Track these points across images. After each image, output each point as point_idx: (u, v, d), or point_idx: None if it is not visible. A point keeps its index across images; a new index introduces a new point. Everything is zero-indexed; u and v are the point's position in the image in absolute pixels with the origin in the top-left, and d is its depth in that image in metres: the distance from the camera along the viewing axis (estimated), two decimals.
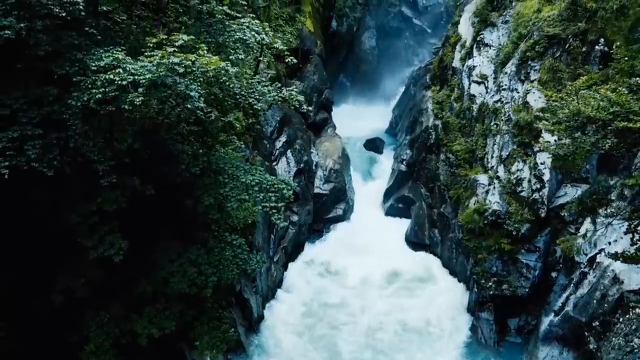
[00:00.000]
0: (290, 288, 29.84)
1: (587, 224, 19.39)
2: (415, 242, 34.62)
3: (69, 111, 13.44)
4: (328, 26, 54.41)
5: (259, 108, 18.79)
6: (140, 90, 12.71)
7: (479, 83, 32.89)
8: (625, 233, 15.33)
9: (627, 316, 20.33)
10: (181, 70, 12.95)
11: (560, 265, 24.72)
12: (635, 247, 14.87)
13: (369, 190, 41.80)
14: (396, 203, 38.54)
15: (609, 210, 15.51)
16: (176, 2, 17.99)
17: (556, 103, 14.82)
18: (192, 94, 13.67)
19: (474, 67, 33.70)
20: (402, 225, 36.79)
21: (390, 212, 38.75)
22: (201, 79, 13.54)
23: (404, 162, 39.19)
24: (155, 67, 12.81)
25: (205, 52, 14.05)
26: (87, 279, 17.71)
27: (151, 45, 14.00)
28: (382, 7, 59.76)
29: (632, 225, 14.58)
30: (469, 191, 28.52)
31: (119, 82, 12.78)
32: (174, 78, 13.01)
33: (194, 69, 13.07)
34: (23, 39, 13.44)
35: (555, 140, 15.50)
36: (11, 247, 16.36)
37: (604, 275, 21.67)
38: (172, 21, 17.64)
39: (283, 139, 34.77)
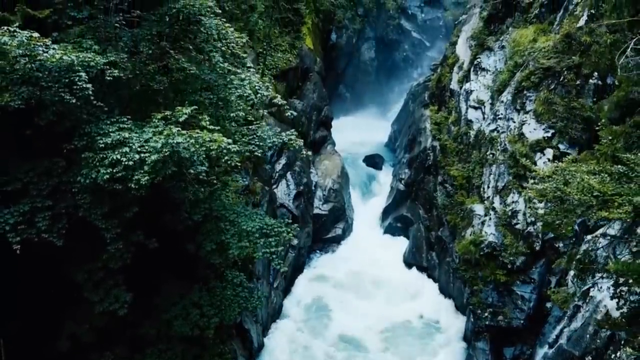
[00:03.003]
0: (290, 315, 30.25)
1: (575, 281, 19.90)
2: (413, 264, 35.10)
3: (77, 185, 13.96)
4: (328, 39, 54.92)
5: (259, 155, 19.25)
6: (146, 168, 13.22)
7: (476, 108, 33.34)
8: (612, 298, 15.81)
9: (619, 353, 20.83)
10: (185, 144, 13.45)
11: (557, 289, 25.15)
12: (620, 311, 15.37)
13: (367, 207, 42.35)
14: (394, 222, 39.02)
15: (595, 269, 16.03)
16: (177, 49, 18.33)
17: (542, 179, 15.30)
18: (194, 159, 14.18)
19: (471, 91, 34.12)
20: (400, 244, 37.25)
21: (389, 230, 39.23)
22: (203, 156, 14.05)
23: (403, 182, 39.64)
24: (160, 146, 13.30)
25: (208, 122, 14.52)
26: (92, 325, 18.23)
27: (156, 120, 14.51)
28: (381, 19, 60.19)
29: (618, 291, 15.08)
30: (465, 221, 28.99)
31: (126, 162, 13.31)
32: (178, 149, 13.50)
33: (197, 146, 13.57)
34: (32, 108, 13.94)
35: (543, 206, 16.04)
36: (18, 299, 16.90)
37: (596, 310, 22.09)
38: (175, 70, 17.98)
39: (283, 161, 35.18)
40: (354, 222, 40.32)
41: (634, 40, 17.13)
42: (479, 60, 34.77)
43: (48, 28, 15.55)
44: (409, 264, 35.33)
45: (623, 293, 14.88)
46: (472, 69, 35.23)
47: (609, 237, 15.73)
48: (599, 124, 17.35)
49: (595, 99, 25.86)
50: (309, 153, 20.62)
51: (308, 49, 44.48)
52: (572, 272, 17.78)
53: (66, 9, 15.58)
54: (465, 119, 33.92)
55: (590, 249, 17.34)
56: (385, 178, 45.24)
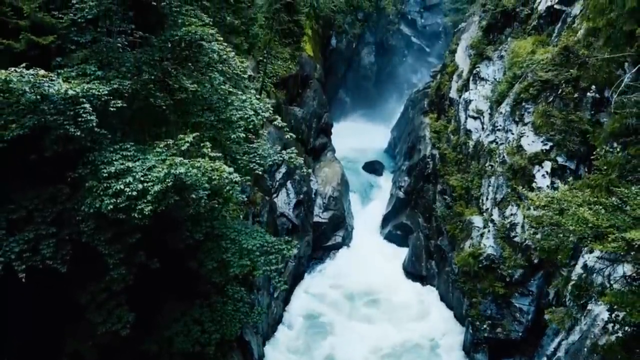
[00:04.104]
0: (290, 325, 30.46)
1: (571, 305, 20.14)
2: (412, 272, 35.30)
3: (81, 213, 14.16)
4: (328, 44, 55.18)
5: (260, 173, 19.43)
6: (149, 198, 13.42)
7: (475, 118, 33.54)
8: (607, 322, 16.01)
9: None
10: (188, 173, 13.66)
11: (553, 308, 25.39)
12: (615, 335, 15.56)
13: (368, 215, 42.55)
14: (394, 230, 39.24)
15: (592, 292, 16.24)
16: (179, 69, 18.49)
17: (539, 208, 15.49)
18: (196, 185, 14.38)
19: (470, 101, 34.31)
20: (400, 253, 37.50)
21: (389, 238, 39.48)
22: (206, 185, 14.25)
23: (402, 189, 39.88)
24: (163, 176, 13.50)
25: (209, 149, 14.70)
26: (94, 342, 18.39)
27: (159, 149, 14.69)
28: (381, 24, 60.45)
29: (613, 315, 15.27)
30: (464, 232, 29.19)
31: (129, 192, 13.52)
32: (180, 177, 13.70)
33: (199, 175, 13.76)
34: (37, 134, 14.14)
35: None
36: (21, 318, 17.09)
37: (594, 324, 22.31)
38: (176, 89, 18.14)
39: (283, 170, 35.25)
40: (354, 229, 40.51)
41: (627, 75, 17.29)
42: (478, 69, 34.97)
43: (52, 53, 15.73)
44: (408, 273, 35.50)
45: (618, 318, 15.08)
46: (471, 78, 35.44)
47: (603, 260, 15.88)
48: (594, 153, 17.52)
49: (593, 112, 26.01)
50: (309, 171, 20.72)
51: (308, 56, 44.67)
52: (568, 295, 17.90)
53: (69, 33, 15.75)
54: (464, 128, 34.11)
55: (587, 272, 17.49)
56: (385, 184, 45.50)
